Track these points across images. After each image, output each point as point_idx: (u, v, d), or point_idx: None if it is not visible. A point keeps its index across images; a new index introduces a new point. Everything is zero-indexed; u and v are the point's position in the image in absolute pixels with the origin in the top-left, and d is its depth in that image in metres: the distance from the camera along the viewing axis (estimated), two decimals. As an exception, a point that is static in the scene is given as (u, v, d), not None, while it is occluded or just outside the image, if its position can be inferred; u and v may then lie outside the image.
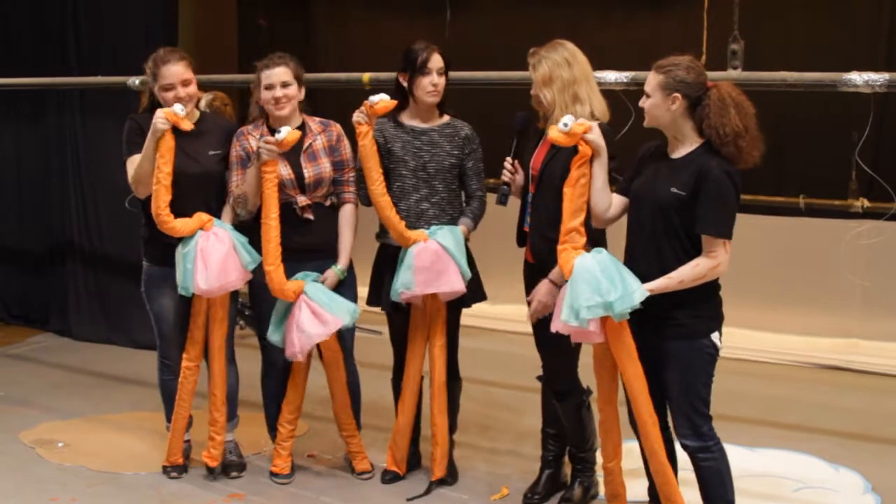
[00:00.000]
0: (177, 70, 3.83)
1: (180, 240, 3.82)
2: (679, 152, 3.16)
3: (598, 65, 3.70)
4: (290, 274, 3.83)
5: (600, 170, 3.24)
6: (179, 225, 3.79)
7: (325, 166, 3.92)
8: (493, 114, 5.02)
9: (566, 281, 3.19)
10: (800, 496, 4.01)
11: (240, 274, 3.86)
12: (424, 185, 3.88)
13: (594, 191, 3.26)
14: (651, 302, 3.09)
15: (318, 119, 4.01)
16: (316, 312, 3.79)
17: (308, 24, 7.98)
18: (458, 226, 3.87)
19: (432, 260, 3.75)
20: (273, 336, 3.90)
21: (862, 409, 5.11)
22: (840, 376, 5.74)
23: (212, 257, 3.77)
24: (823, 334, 6.06)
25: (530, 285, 3.73)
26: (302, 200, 3.88)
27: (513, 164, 3.65)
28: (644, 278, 3.11)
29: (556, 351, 3.66)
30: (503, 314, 5.97)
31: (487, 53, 5.93)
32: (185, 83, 3.85)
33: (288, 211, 3.84)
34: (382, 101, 3.70)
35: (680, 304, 3.10)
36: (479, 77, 4.42)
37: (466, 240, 3.93)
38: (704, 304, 3.14)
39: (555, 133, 3.21)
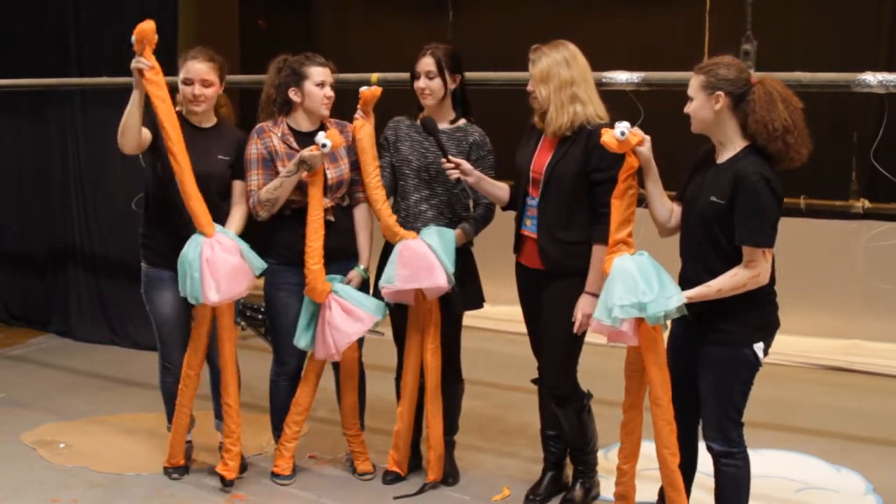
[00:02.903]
0: (199, 68, 3.84)
1: (179, 242, 3.79)
2: (723, 157, 3.12)
3: (600, 64, 3.69)
4: None
5: (653, 182, 3.21)
6: (201, 213, 3.75)
7: (346, 167, 3.93)
8: (493, 114, 5.02)
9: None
10: (802, 497, 4.01)
11: (248, 281, 3.85)
12: (425, 186, 3.88)
13: (652, 203, 3.23)
14: (698, 306, 3.07)
15: (333, 120, 4.01)
16: (349, 311, 3.83)
17: (308, 24, 7.98)
18: (457, 229, 3.86)
19: (415, 256, 3.75)
20: (301, 341, 3.91)
21: (864, 410, 5.11)
22: (842, 377, 5.74)
23: (221, 268, 3.73)
24: (825, 335, 6.07)
25: (532, 291, 3.72)
26: (326, 202, 3.88)
27: (448, 160, 3.67)
28: (692, 284, 3.09)
29: (555, 357, 3.66)
30: (504, 315, 5.96)
31: (490, 53, 5.92)
32: (205, 83, 3.86)
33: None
34: (366, 89, 3.78)
35: (725, 311, 3.08)
36: (478, 77, 4.41)
37: (469, 244, 3.93)
38: (750, 313, 3.10)
39: (609, 138, 3.14)
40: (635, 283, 3.08)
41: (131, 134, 3.72)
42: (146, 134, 3.81)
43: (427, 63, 3.79)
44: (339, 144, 3.75)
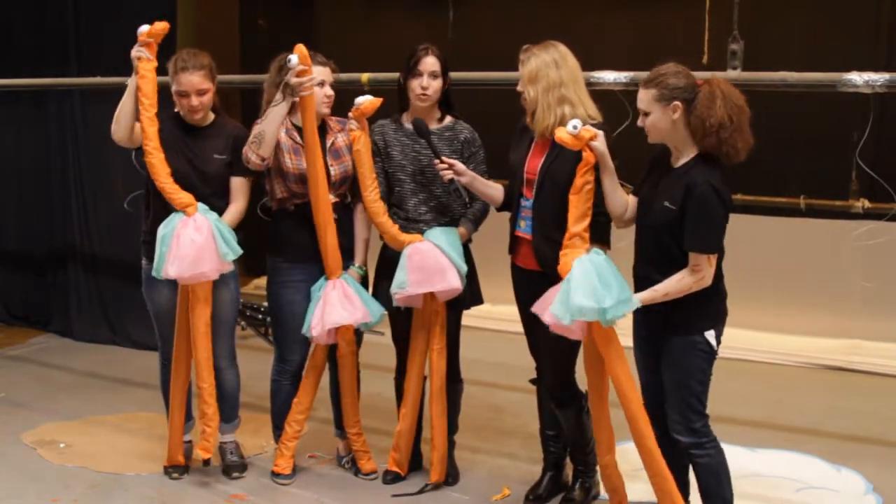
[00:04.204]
0: (193, 80, 3.82)
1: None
2: (678, 162, 3.18)
3: (600, 64, 3.68)
4: (317, 276, 3.90)
5: (608, 176, 3.26)
6: (176, 196, 3.77)
7: (349, 163, 3.92)
8: (494, 114, 5.02)
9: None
10: (801, 497, 4.01)
11: (215, 265, 3.79)
12: (423, 189, 3.88)
13: (608, 197, 3.29)
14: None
15: (335, 118, 4.01)
16: (349, 297, 3.85)
17: (308, 24, 7.97)
18: (458, 228, 3.87)
19: (425, 259, 3.75)
20: (308, 332, 3.92)
21: (863, 409, 5.11)
22: (842, 377, 5.74)
23: (186, 245, 3.71)
24: (825, 335, 6.07)
25: (528, 292, 3.71)
26: (331, 199, 3.88)
27: (441, 161, 3.66)
28: (644, 281, 3.15)
29: (553, 359, 3.66)
30: (504, 315, 5.96)
31: (491, 53, 5.93)
32: (201, 93, 3.85)
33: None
34: (366, 100, 3.73)
35: (675, 301, 3.13)
36: (479, 77, 4.41)
37: (469, 241, 3.93)
38: (699, 302, 3.14)
39: (563, 134, 3.21)
40: (594, 287, 3.11)
41: (125, 122, 3.80)
42: (137, 135, 3.84)
43: (432, 63, 3.77)
44: (305, 55, 3.67)
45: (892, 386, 5.56)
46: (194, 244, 3.72)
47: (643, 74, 3.91)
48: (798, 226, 6.12)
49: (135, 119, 3.81)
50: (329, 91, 3.85)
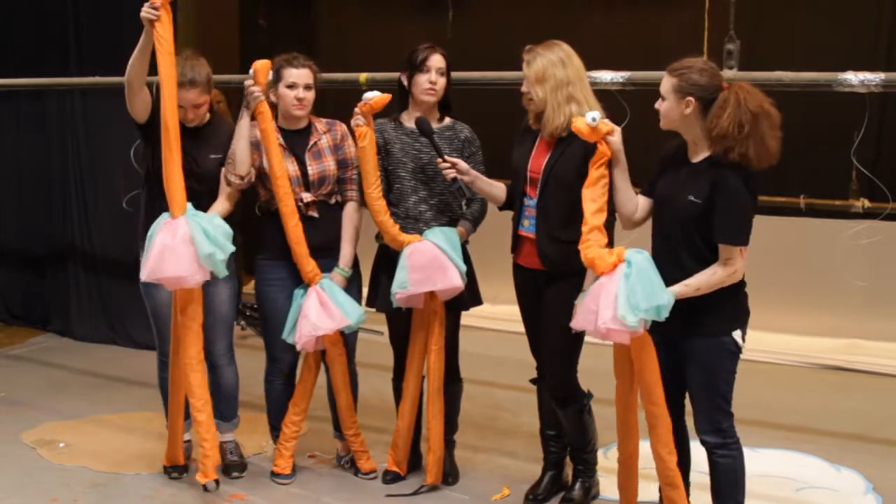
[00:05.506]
0: (189, 97, 3.82)
1: None
2: (697, 157, 3.14)
3: (600, 64, 3.67)
4: (298, 276, 3.89)
5: (622, 174, 3.22)
6: (176, 191, 3.67)
7: (330, 164, 3.93)
8: (494, 114, 5.02)
9: (596, 277, 3.13)
10: (801, 496, 4.01)
11: (188, 270, 3.60)
12: (423, 187, 3.88)
13: (619, 194, 3.23)
14: (676, 301, 3.07)
15: (323, 120, 4.03)
16: (325, 304, 3.83)
17: (308, 24, 7.98)
18: (457, 227, 3.87)
19: (425, 258, 3.75)
20: (290, 336, 3.91)
21: (863, 409, 5.11)
22: (841, 377, 5.74)
23: (154, 248, 3.62)
24: (824, 334, 6.07)
25: (530, 291, 3.71)
26: (307, 197, 3.88)
27: (444, 160, 3.66)
28: (666, 280, 3.09)
29: (556, 358, 3.66)
30: (504, 314, 5.97)
31: (490, 53, 5.93)
32: (197, 105, 3.87)
33: None
34: (375, 96, 3.73)
35: (702, 303, 3.08)
36: (479, 77, 4.41)
37: (466, 242, 3.93)
38: (727, 302, 3.12)
39: (580, 124, 3.16)
40: (653, 284, 3.03)
41: (136, 87, 3.74)
42: (147, 98, 3.83)
43: (440, 60, 3.79)
44: (259, 70, 3.75)
45: (891, 386, 5.57)
46: (161, 245, 3.60)
47: (640, 74, 3.93)
48: (798, 225, 6.12)
49: (145, 75, 3.73)
50: (301, 94, 3.85)
